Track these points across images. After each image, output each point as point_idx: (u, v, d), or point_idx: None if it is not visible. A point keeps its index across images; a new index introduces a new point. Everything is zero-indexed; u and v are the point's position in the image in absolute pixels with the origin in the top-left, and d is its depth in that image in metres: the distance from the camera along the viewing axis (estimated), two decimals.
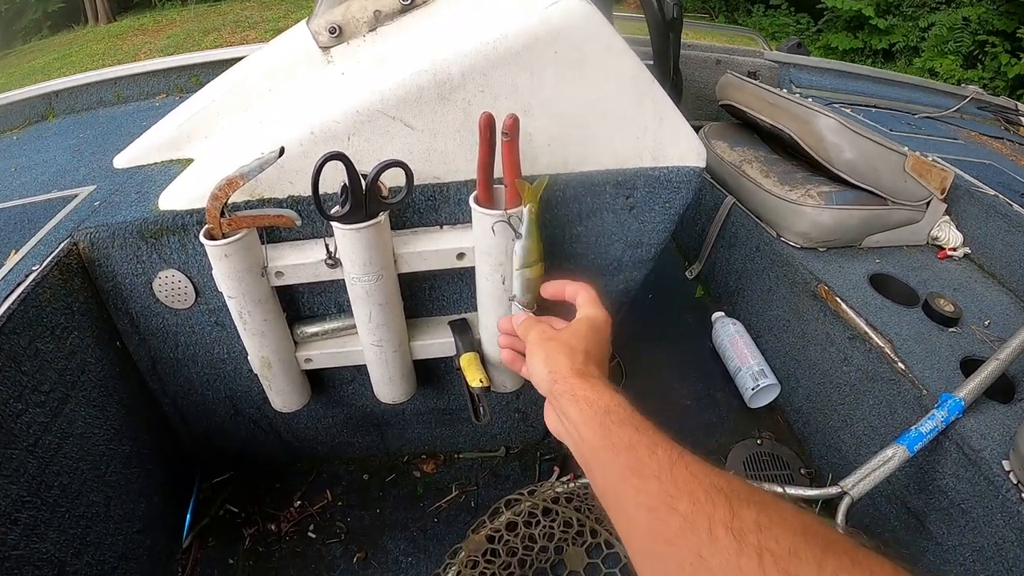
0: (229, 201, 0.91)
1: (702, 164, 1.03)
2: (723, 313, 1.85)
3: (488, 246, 0.90)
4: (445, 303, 1.15)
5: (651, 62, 1.75)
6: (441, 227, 1.01)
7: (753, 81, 1.87)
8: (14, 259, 1.02)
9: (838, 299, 1.42)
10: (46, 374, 0.97)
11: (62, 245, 1.02)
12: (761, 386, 1.61)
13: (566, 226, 1.04)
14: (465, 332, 1.08)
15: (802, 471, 1.53)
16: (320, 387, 1.25)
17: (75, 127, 1.74)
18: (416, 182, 0.89)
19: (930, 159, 1.63)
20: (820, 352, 1.48)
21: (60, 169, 1.37)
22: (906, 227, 1.65)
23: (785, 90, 2.47)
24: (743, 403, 1.67)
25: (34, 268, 0.98)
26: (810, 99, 2.33)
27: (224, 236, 0.91)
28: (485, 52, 0.90)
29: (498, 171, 0.85)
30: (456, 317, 1.13)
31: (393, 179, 0.89)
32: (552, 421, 0.62)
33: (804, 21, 13.90)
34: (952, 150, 2.07)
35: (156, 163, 1.22)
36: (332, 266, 0.94)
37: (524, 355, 0.71)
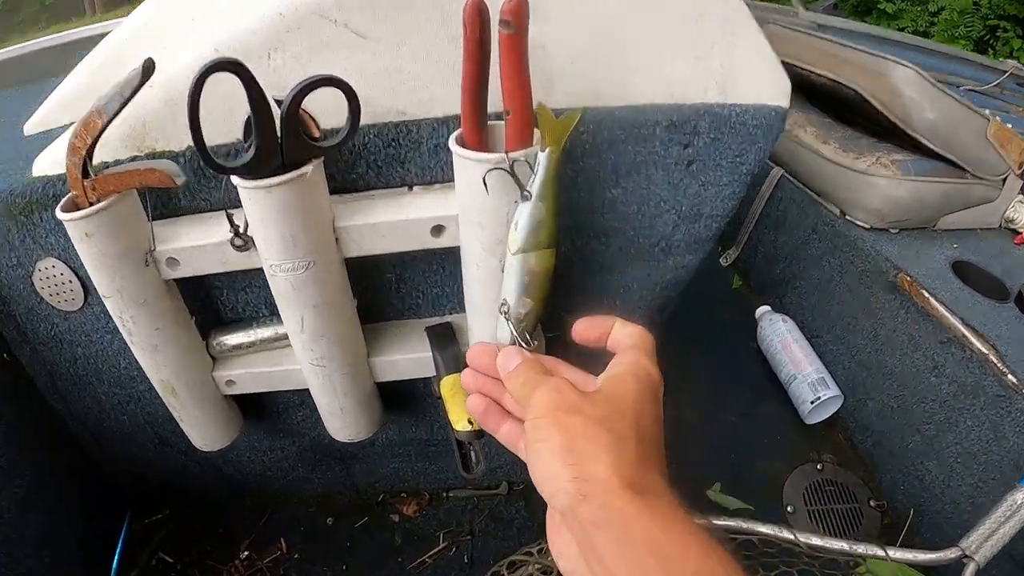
0: (96, 157, 0.64)
1: (785, 104, 0.76)
2: (769, 308, 1.62)
3: (479, 212, 0.60)
4: (420, 301, 0.89)
5: None
6: (410, 188, 0.72)
7: (806, 30, 1.59)
8: None
9: (925, 292, 1.19)
10: None
11: None
12: (823, 398, 1.37)
13: (596, 187, 0.76)
14: (448, 343, 0.78)
15: (871, 503, 1.32)
16: (257, 412, 1.00)
17: (12, 103, 1.52)
18: (370, 120, 0.61)
19: (1010, 128, 1.42)
20: (900, 358, 1.27)
21: None
22: (981, 206, 1.45)
23: None
24: (797, 418, 1.44)
25: None
26: None
27: (90, 205, 0.65)
28: None
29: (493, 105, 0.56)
30: (436, 321, 0.86)
31: (333, 113, 0.59)
32: (564, 549, 0.36)
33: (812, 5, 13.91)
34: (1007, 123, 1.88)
35: (64, 125, 0.97)
36: (241, 248, 0.64)
37: (510, 412, 0.43)
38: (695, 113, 0.72)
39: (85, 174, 0.64)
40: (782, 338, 1.51)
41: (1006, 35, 9.94)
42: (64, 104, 0.97)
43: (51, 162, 0.77)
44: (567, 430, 0.35)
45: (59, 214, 0.64)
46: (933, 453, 1.21)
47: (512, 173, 0.52)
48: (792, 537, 0.91)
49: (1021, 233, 1.45)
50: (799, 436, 1.44)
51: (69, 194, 0.66)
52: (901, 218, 1.37)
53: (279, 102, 0.53)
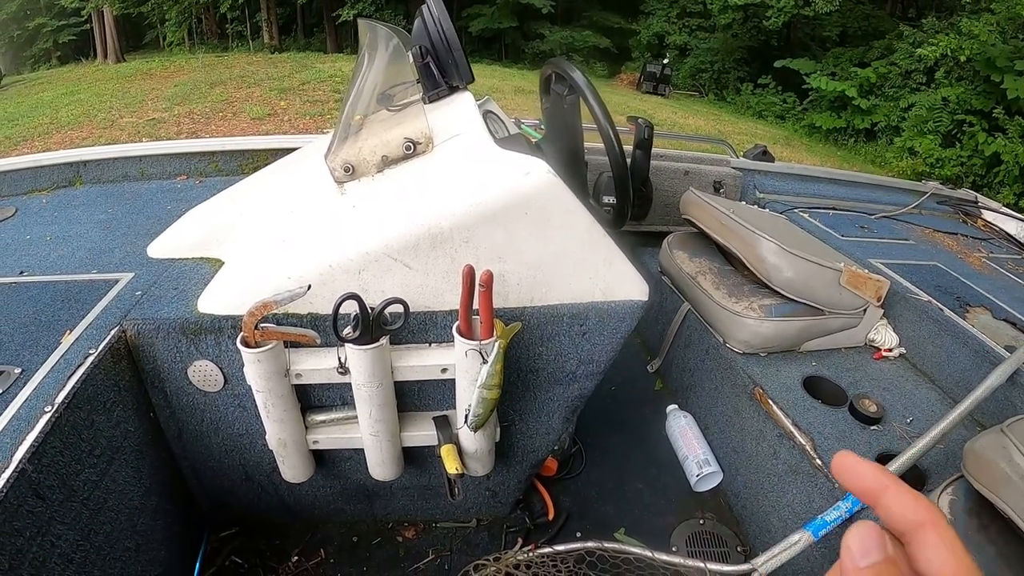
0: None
1: (644, 298, 1.26)
2: (676, 406, 2.06)
3: (466, 365, 1.14)
4: (430, 402, 1.36)
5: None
6: (430, 345, 1.24)
7: (710, 200, 2.10)
8: (69, 339, 1.22)
9: (770, 401, 1.62)
10: (98, 440, 1.16)
11: (113, 332, 1.21)
12: (704, 473, 1.82)
13: (530, 346, 1.28)
14: (445, 427, 1.31)
15: (738, 548, 1.71)
16: (322, 461, 1.45)
17: (102, 199, 1.91)
18: (411, 310, 1.13)
19: (865, 272, 1.83)
20: (755, 446, 1.68)
21: (95, 248, 1.56)
22: (844, 331, 1.87)
23: (744, 201, 2.73)
24: (689, 486, 1.86)
25: (91, 351, 1.17)
26: (767, 208, 2.58)
27: (257, 345, 1.13)
28: (469, 211, 1.13)
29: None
30: (439, 414, 1.36)
31: (393, 306, 1.13)
32: None
33: (790, 100, 14.59)
34: (900, 252, 2.29)
35: (188, 259, 1.44)
36: (343, 374, 1.17)
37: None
38: (587, 307, 1.24)
39: (256, 327, 1.15)
40: (681, 428, 1.94)
41: (972, 129, 10.43)
42: (188, 244, 1.45)
43: (213, 305, 1.23)
44: None
45: (240, 347, 1.12)
46: (776, 513, 1.57)
47: (480, 352, 1.07)
48: (650, 554, 1.38)
49: (880, 350, 1.88)
50: (689, 500, 1.83)
51: (242, 334, 1.12)
52: (766, 346, 1.79)
53: (372, 309, 1.08)
